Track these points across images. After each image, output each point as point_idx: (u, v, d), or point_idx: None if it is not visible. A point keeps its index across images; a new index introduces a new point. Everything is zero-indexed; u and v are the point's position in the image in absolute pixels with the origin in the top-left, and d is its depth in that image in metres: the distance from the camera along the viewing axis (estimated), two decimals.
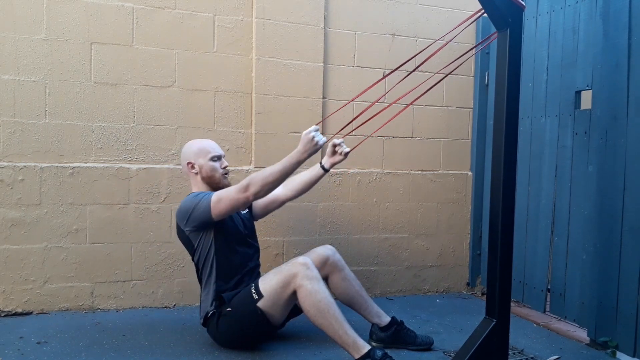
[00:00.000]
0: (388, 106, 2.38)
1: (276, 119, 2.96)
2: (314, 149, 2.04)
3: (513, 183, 1.86)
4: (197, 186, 2.35)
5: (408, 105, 2.47)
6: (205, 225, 2.20)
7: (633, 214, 2.25)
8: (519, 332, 2.59)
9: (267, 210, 2.56)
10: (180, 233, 2.28)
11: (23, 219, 2.60)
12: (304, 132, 2.06)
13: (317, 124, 2.13)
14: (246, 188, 2.07)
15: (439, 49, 2.23)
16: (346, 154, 2.30)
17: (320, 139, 2.05)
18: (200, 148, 2.33)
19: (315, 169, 2.43)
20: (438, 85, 2.98)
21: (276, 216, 2.92)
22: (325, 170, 2.40)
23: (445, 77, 2.36)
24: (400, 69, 2.34)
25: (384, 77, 2.50)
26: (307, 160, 2.11)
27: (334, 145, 2.33)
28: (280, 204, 2.54)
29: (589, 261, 2.48)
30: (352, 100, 2.77)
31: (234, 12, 2.88)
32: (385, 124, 2.49)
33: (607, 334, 2.36)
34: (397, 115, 2.47)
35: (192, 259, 2.32)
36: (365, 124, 2.35)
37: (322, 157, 2.43)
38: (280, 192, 2.49)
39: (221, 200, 2.12)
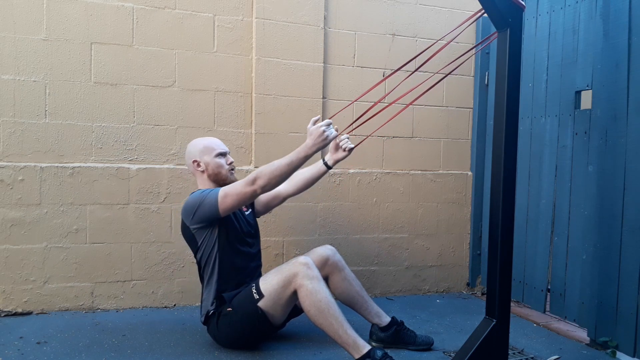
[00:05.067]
0: (388, 106, 2.38)
1: (276, 119, 2.96)
2: (324, 144, 2.01)
3: (513, 183, 1.86)
4: (204, 184, 2.34)
5: (408, 105, 2.46)
6: (211, 221, 2.19)
7: (633, 214, 2.25)
8: (519, 332, 2.60)
9: (269, 207, 2.55)
10: (185, 230, 2.28)
11: (23, 219, 2.60)
12: (313, 126, 2.02)
13: (330, 118, 2.07)
14: (253, 181, 2.06)
15: (438, 50, 2.22)
16: (350, 150, 2.31)
17: (331, 133, 2.02)
18: (205, 146, 2.33)
19: (318, 165, 2.43)
20: (438, 85, 2.98)
21: (276, 216, 2.93)
22: (329, 168, 2.41)
23: (445, 77, 2.36)
24: (400, 69, 2.35)
25: (385, 78, 2.49)
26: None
27: (337, 142, 2.34)
28: (282, 200, 2.53)
29: (589, 261, 2.48)
30: (355, 101, 2.76)
31: (234, 12, 2.88)
32: (385, 123, 2.48)
33: (607, 334, 2.36)
34: (397, 114, 2.46)
35: (195, 257, 2.32)
36: (365, 124, 2.35)
37: (325, 153, 2.43)
38: (282, 188, 2.47)
39: (228, 194, 2.11)
